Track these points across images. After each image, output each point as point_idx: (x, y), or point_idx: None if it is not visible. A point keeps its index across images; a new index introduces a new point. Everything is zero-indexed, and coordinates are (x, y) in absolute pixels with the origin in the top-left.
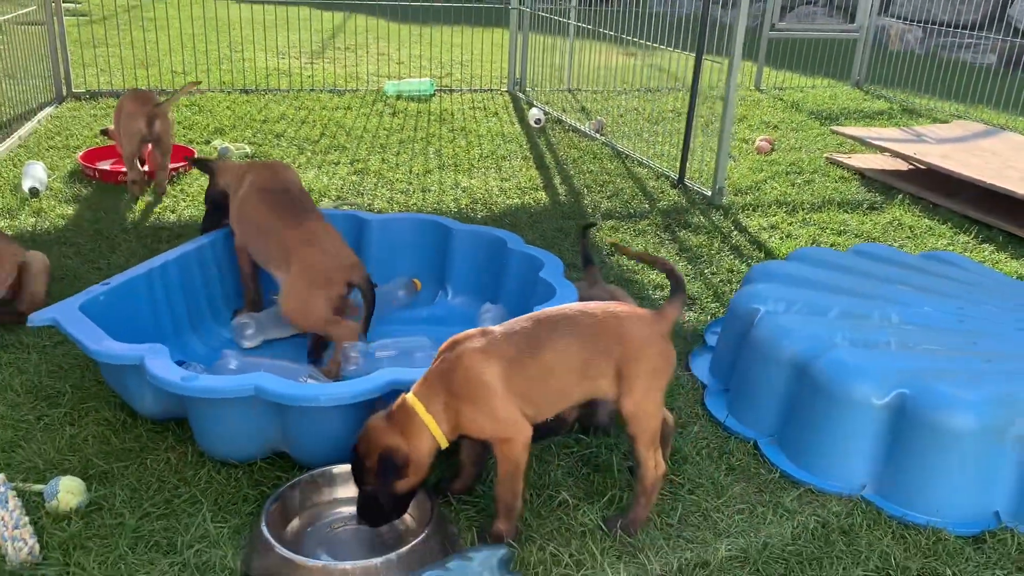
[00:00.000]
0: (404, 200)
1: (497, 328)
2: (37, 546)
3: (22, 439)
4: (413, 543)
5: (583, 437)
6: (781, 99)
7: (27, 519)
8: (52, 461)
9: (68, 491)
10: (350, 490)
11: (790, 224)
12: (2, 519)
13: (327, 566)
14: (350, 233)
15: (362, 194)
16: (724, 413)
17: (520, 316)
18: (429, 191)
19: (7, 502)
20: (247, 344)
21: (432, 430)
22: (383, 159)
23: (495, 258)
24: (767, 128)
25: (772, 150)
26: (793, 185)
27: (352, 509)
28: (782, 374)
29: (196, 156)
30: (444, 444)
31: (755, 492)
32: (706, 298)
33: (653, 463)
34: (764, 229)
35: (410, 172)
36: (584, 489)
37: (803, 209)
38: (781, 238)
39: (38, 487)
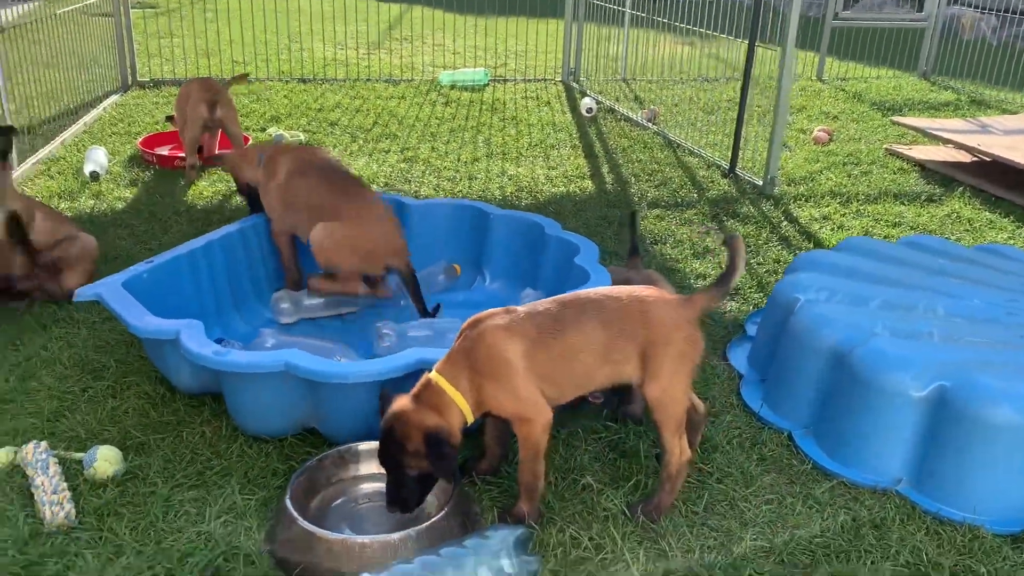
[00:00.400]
0: (450, 187)
1: (521, 308)
2: (73, 511)
3: (67, 410)
4: (433, 520)
5: (612, 424)
6: (843, 89)
7: (65, 485)
8: (93, 431)
9: (106, 460)
10: (374, 467)
11: (843, 215)
12: (42, 484)
13: (347, 539)
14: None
15: (409, 181)
16: (759, 403)
17: (546, 298)
18: (475, 179)
19: (48, 468)
20: (283, 320)
21: (460, 405)
22: (433, 147)
23: (533, 243)
24: (827, 119)
25: (830, 141)
26: (849, 176)
27: (376, 485)
28: (820, 364)
29: (207, 155)
30: (470, 419)
31: (786, 483)
32: (749, 288)
33: (678, 449)
34: (815, 220)
35: (458, 160)
36: (609, 474)
37: (858, 200)
38: (832, 229)
39: (78, 455)
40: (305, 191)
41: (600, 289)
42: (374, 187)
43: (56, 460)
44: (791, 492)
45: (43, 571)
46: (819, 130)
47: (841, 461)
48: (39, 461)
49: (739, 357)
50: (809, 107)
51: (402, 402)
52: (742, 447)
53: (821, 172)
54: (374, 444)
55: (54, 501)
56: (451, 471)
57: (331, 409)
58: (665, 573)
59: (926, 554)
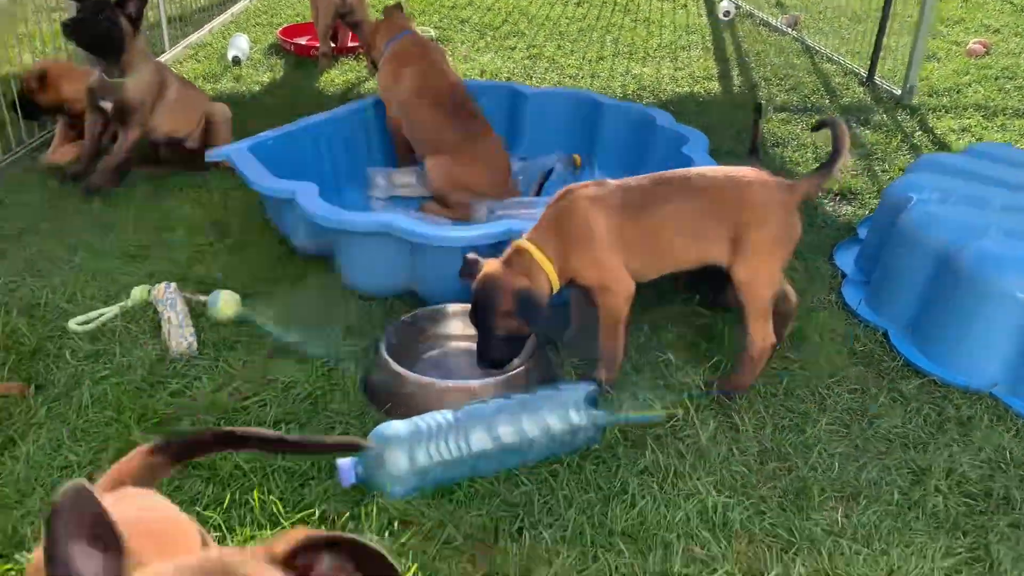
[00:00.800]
0: (571, 84)
1: (613, 181)
2: (196, 343)
3: (196, 260)
4: (512, 373)
5: (701, 309)
6: (1011, 2)
7: (190, 320)
8: (217, 280)
9: (227, 303)
10: (461, 327)
11: (985, 128)
12: (170, 318)
13: (432, 382)
14: (505, 104)
15: (532, 77)
16: (858, 302)
17: (641, 175)
18: (598, 76)
19: (176, 305)
20: (375, 195)
21: (547, 272)
22: (559, 46)
23: (643, 134)
24: (987, 32)
25: (986, 54)
26: (1000, 90)
27: (462, 344)
28: (925, 263)
29: (340, 46)
30: (556, 287)
31: (873, 377)
32: (868, 194)
33: (762, 334)
34: (953, 131)
35: (583, 59)
36: (691, 355)
37: (1004, 114)
38: (970, 140)
39: (202, 297)
40: (428, 119)
41: (697, 168)
42: (495, 81)
43: (183, 299)
44: (877, 385)
45: (166, 388)
46: (974, 43)
47: (936, 361)
48: (169, 299)
49: (846, 259)
50: (969, 19)
51: (493, 265)
52: (833, 341)
53: (969, 85)
54: (464, 306)
55: (180, 333)
56: (538, 330)
57: (428, 272)
58: (733, 443)
59: (1010, 453)
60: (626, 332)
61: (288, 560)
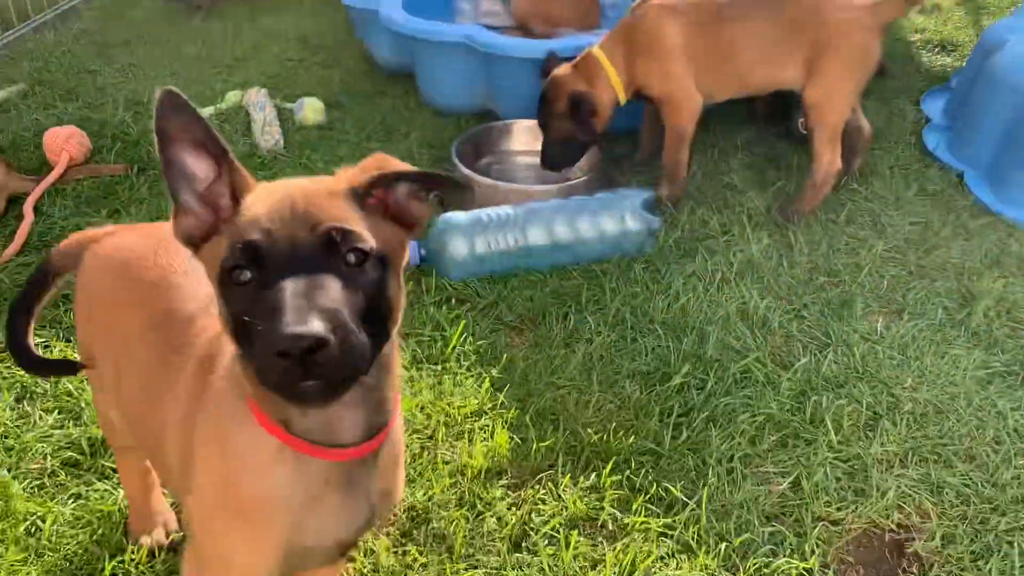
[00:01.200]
0: None
1: None
2: (282, 141)
3: (286, 72)
4: (574, 180)
5: (774, 139)
6: None
7: (278, 123)
8: (304, 89)
9: (311, 109)
10: (525, 142)
11: None
12: (259, 119)
13: (496, 184)
14: None
15: None
16: (937, 144)
17: None
18: None
19: (265, 107)
20: (459, 19)
21: (613, 80)
22: None
23: None
24: None
25: None
26: None
27: (529, 159)
28: (1009, 105)
29: None
30: (623, 98)
31: (940, 213)
32: (970, 47)
33: (828, 159)
34: None
35: None
36: (755, 180)
37: None
38: None
39: (289, 104)
40: None
41: None
42: None
43: (272, 104)
44: (942, 220)
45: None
46: None
47: (1008, 203)
48: (259, 102)
49: (934, 106)
50: None
51: (562, 68)
52: (905, 178)
53: None
54: (531, 121)
55: (267, 132)
56: (590, 134)
57: (502, 86)
58: (784, 258)
59: None
60: (691, 151)
61: (366, 191)
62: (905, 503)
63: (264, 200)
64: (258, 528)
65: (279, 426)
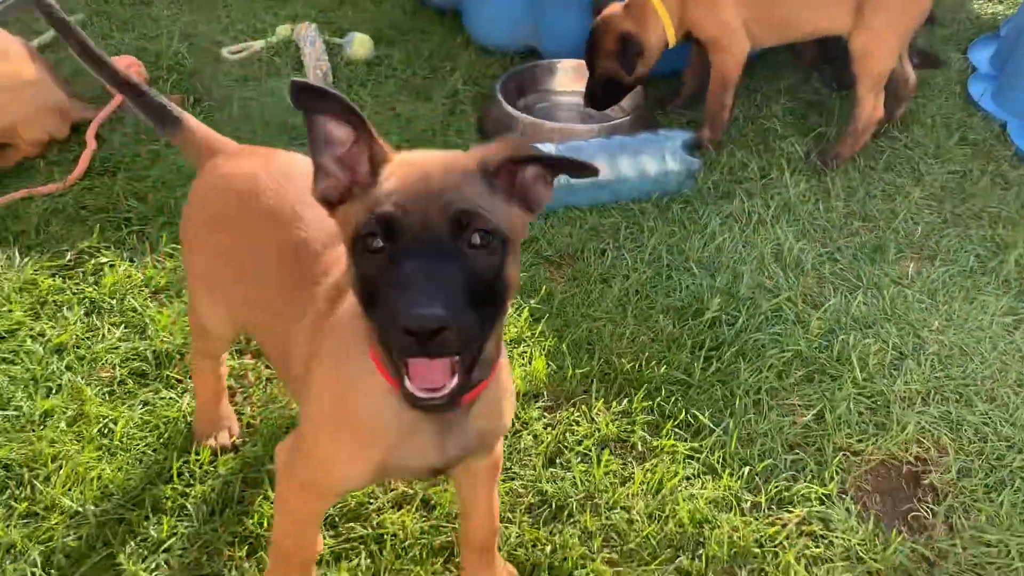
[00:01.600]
0: None
1: None
2: (331, 75)
3: (334, 7)
4: (615, 121)
5: (819, 86)
6: None
7: (327, 57)
8: (352, 25)
9: (360, 44)
10: (570, 82)
11: None
12: (309, 53)
13: (536, 121)
14: None
15: None
16: (982, 94)
17: None
18: None
19: (314, 43)
20: None
21: (664, 21)
22: None
23: None
24: None
25: None
26: None
27: (572, 99)
28: None
29: None
30: (672, 41)
31: (980, 162)
32: None
33: (871, 105)
34: None
35: None
36: (797, 126)
37: None
38: None
39: (338, 40)
40: None
41: None
42: None
43: (322, 39)
44: (981, 169)
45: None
46: None
47: None
48: (309, 36)
49: (980, 55)
50: None
51: (614, 7)
52: (947, 127)
53: None
54: (576, 61)
55: (316, 66)
56: (634, 73)
57: (548, 24)
58: (821, 202)
59: None
60: (735, 96)
61: (496, 170)
62: (924, 438)
63: (402, 174)
64: (359, 445)
65: (388, 372)
